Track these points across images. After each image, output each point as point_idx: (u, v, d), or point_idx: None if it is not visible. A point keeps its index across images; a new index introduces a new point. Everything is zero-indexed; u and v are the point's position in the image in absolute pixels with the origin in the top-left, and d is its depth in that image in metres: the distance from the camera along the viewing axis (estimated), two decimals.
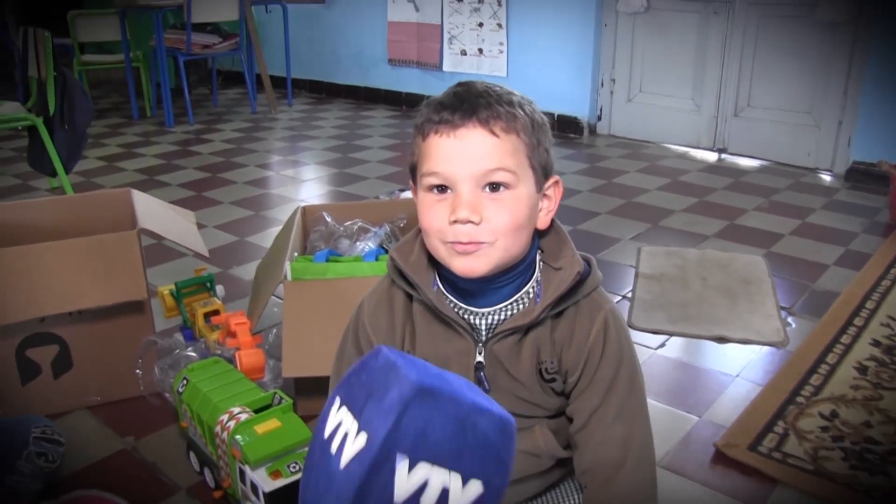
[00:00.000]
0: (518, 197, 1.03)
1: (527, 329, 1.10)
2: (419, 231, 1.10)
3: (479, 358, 1.11)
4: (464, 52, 5.58)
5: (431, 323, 1.13)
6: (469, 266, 1.03)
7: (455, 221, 1.01)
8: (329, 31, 6.45)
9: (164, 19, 5.42)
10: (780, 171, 4.41)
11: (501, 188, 1.01)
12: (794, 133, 4.47)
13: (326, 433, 0.64)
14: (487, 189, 1.01)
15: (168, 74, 5.53)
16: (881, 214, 3.62)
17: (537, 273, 1.12)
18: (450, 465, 0.59)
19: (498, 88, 1.04)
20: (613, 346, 1.11)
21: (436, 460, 0.59)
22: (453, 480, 0.59)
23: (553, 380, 1.13)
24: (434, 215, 1.03)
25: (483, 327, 1.11)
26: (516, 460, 1.17)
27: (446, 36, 5.65)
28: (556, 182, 1.10)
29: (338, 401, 0.66)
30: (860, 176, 4.16)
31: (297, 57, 6.45)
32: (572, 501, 1.28)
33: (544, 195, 1.09)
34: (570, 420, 1.17)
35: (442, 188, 1.02)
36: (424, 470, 0.58)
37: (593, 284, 1.12)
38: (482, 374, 1.12)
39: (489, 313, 1.10)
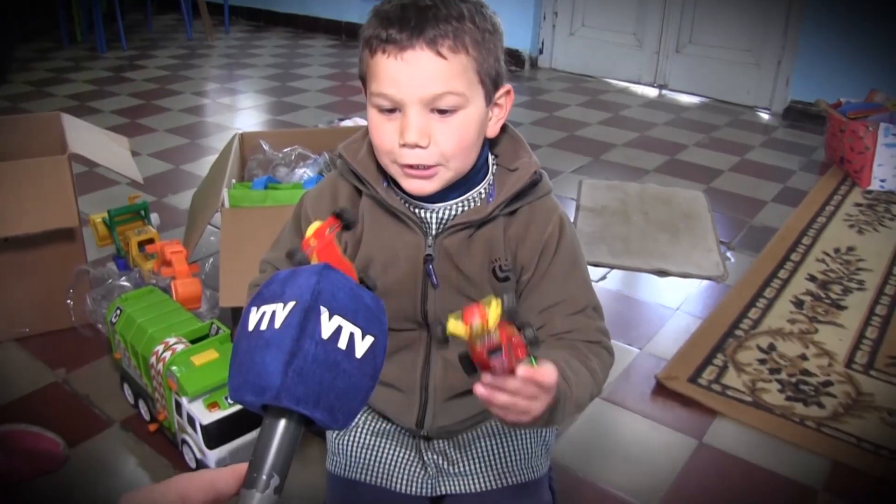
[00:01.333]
0: (467, 116, 1.01)
1: (479, 225, 1.09)
2: (367, 133, 1.08)
3: (429, 251, 1.10)
4: None
5: (381, 216, 1.11)
6: (419, 187, 1.04)
7: (404, 145, 0.99)
8: None
9: None
10: (720, 108, 4.43)
11: (450, 110, 1.00)
12: (734, 71, 4.48)
13: (251, 328, 0.70)
14: (436, 111, 0.99)
15: None
16: (817, 153, 3.66)
17: (490, 175, 1.12)
18: (352, 320, 0.69)
19: None
20: (568, 244, 1.12)
21: (344, 315, 0.69)
22: (356, 331, 0.69)
23: (507, 278, 1.12)
24: (383, 135, 1.02)
25: (433, 222, 1.10)
26: (460, 371, 1.17)
27: None
28: (508, 91, 1.08)
29: (254, 309, 0.72)
30: (797, 115, 4.20)
31: None
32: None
33: (495, 104, 1.07)
34: None
35: (391, 109, 1.00)
36: (338, 320, 0.69)
37: (546, 189, 1.12)
38: (430, 266, 1.10)
39: (440, 209, 1.09)
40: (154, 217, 2.37)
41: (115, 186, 2.92)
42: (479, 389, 0.88)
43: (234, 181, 1.99)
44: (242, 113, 4.12)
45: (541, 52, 5.21)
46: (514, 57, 5.16)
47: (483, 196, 1.10)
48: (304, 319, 0.67)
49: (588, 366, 1.06)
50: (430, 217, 1.10)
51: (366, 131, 1.09)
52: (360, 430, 1.29)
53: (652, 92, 4.75)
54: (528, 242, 1.10)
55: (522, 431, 1.28)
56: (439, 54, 0.97)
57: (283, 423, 0.68)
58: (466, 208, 1.09)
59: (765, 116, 4.32)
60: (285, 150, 2.20)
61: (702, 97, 4.61)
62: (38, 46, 5.43)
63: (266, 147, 2.22)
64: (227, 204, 1.83)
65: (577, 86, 4.82)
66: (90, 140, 2.17)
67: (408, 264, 1.11)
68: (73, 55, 5.22)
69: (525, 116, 4.10)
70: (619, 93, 4.71)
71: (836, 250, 2.63)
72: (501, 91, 1.06)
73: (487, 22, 1.01)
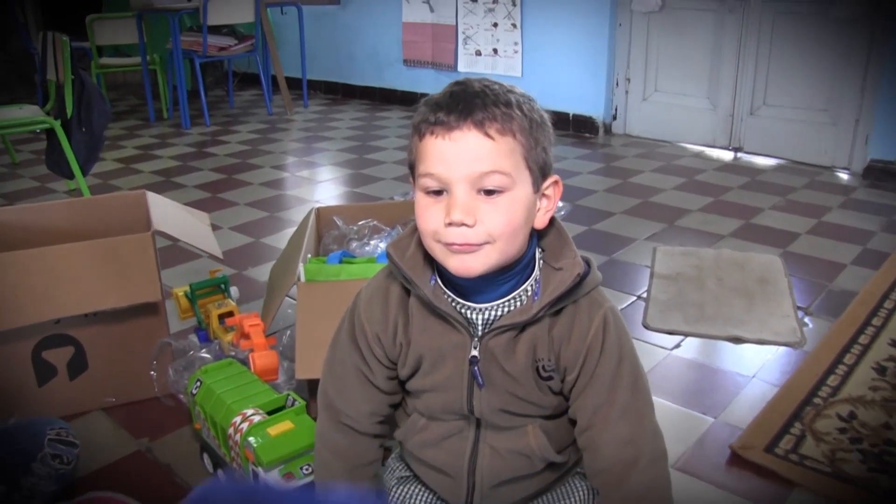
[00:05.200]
0: (514, 199, 1.02)
1: (523, 326, 1.10)
2: (416, 227, 1.10)
3: (474, 352, 1.12)
4: (479, 53, 5.58)
5: (428, 316, 1.13)
6: (465, 265, 1.04)
7: (450, 224, 1.01)
8: (344, 32, 6.46)
9: (180, 22, 5.42)
10: (797, 169, 4.38)
11: (496, 191, 1.01)
12: (811, 131, 4.44)
13: None
14: (483, 192, 1.01)
15: (184, 76, 5.56)
16: None
17: (536, 272, 1.12)
18: None
19: (496, 87, 1.03)
20: (613, 343, 1.11)
21: None
22: None
23: (550, 377, 1.13)
24: (430, 217, 1.04)
25: (479, 322, 1.12)
26: (506, 460, 1.18)
27: (461, 36, 5.64)
28: (556, 182, 1.09)
29: None
30: (878, 174, 4.13)
31: (312, 58, 6.47)
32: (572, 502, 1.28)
33: (543, 195, 1.08)
34: (573, 422, 1.17)
35: (438, 191, 1.02)
36: None
37: (593, 284, 1.12)
38: (476, 368, 1.12)
39: (486, 309, 1.11)
40: (234, 290, 2.44)
41: (197, 260, 3.01)
42: None
43: (309, 256, 2.05)
44: (320, 186, 4.22)
45: (614, 118, 5.23)
46: (587, 124, 5.21)
47: (529, 294, 1.11)
48: None
49: None
50: (477, 317, 1.11)
51: (414, 227, 1.11)
52: (420, 499, 1.31)
53: (727, 155, 4.72)
54: (571, 344, 1.11)
55: None
56: (487, 135, 0.99)
57: None
58: (513, 308, 1.10)
59: (843, 177, 4.25)
60: (360, 223, 2.26)
61: (778, 159, 4.56)
62: (127, 125, 5.68)
63: (339, 223, 2.27)
64: (303, 278, 1.89)
65: (651, 151, 4.82)
66: (173, 217, 2.26)
67: (454, 364, 1.13)
68: (160, 132, 5.44)
69: (599, 184, 4.10)
70: (694, 157, 4.70)
71: None
72: (549, 181, 1.08)
73: (535, 113, 1.04)
